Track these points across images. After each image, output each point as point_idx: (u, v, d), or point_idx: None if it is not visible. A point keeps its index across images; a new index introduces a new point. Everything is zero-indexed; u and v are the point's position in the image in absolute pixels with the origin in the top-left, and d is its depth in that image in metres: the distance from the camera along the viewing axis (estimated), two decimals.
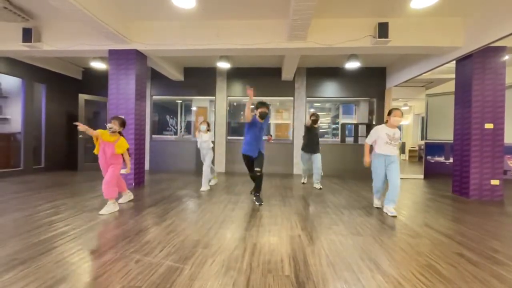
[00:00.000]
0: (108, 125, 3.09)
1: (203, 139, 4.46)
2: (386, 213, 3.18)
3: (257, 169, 3.50)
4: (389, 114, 3.22)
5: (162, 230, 2.49)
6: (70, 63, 6.85)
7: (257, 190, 3.65)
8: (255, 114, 3.60)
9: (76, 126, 2.85)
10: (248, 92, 3.31)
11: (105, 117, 6.83)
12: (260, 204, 3.50)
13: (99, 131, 3.04)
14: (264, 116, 3.58)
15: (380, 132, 3.23)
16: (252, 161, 3.63)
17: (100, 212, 2.95)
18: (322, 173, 4.91)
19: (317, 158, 4.81)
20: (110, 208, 3.03)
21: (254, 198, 3.64)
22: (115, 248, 2.07)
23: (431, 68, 4.87)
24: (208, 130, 4.56)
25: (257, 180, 3.61)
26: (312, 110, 7.64)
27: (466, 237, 2.45)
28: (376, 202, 3.52)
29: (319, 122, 4.91)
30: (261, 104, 3.55)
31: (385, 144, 3.20)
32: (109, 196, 3.04)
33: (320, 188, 4.76)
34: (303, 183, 5.29)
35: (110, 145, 3.08)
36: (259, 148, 3.59)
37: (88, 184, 4.81)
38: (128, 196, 3.60)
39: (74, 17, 3.54)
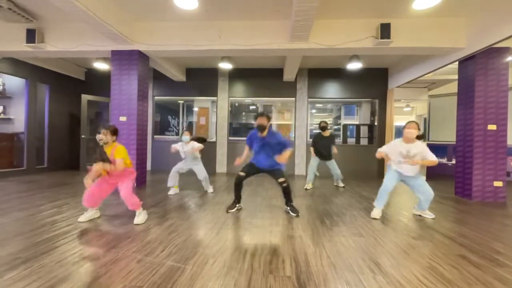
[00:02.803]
0: (98, 137, 2.59)
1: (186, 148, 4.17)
2: (424, 216, 3.11)
3: (280, 180, 3.04)
4: (404, 127, 2.97)
5: (163, 230, 2.50)
6: (73, 64, 6.90)
7: (289, 200, 3.16)
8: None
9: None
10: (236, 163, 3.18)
11: (108, 117, 6.86)
12: (297, 215, 3.04)
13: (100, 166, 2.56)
14: (262, 128, 3.05)
15: (393, 149, 3.03)
16: (254, 168, 3.20)
17: (135, 222, 2.66)
18: (342, 176, 5.05)
19: (332, 164, 4.91)
20: (142, 217, 2.73)
21: (289, 209, 3.14)
22: (117, 248, 2.07)
23: (433, 69, 4.85)
24: (192, 139, 4.25)
25: (286, 191, 3.11)
26: (313, 111, 7.64)
27: (469, 239, 2.44)
28: (376, 213, 3.06)
29: (328, 128, 4.86)
30: (258, 115, 3.07)
31: (398, 162, 2.99)
32: (135, 207, 2.72)
33: (343, 186, 5.05)
34: (307, 189, 4.81)
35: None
36: (270, 163, 3.11)
37: None
38: (94, 213, 2.85)
39: (77, 18, 3.56)
